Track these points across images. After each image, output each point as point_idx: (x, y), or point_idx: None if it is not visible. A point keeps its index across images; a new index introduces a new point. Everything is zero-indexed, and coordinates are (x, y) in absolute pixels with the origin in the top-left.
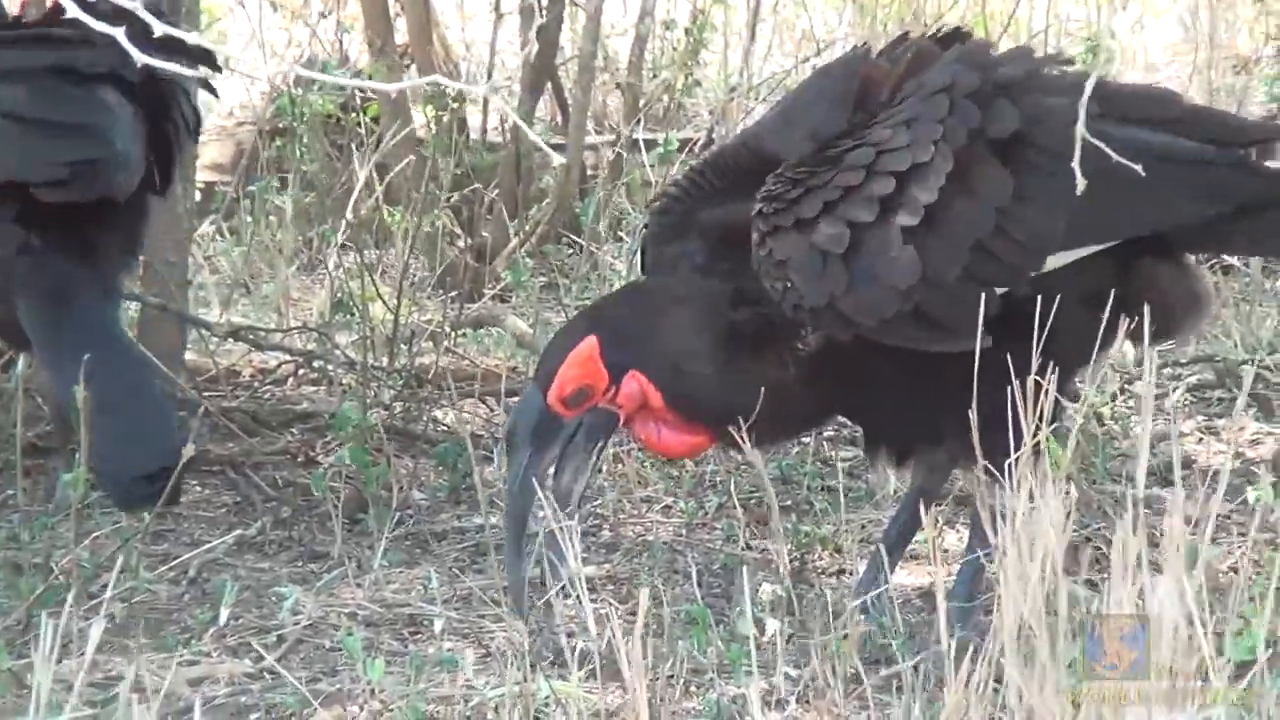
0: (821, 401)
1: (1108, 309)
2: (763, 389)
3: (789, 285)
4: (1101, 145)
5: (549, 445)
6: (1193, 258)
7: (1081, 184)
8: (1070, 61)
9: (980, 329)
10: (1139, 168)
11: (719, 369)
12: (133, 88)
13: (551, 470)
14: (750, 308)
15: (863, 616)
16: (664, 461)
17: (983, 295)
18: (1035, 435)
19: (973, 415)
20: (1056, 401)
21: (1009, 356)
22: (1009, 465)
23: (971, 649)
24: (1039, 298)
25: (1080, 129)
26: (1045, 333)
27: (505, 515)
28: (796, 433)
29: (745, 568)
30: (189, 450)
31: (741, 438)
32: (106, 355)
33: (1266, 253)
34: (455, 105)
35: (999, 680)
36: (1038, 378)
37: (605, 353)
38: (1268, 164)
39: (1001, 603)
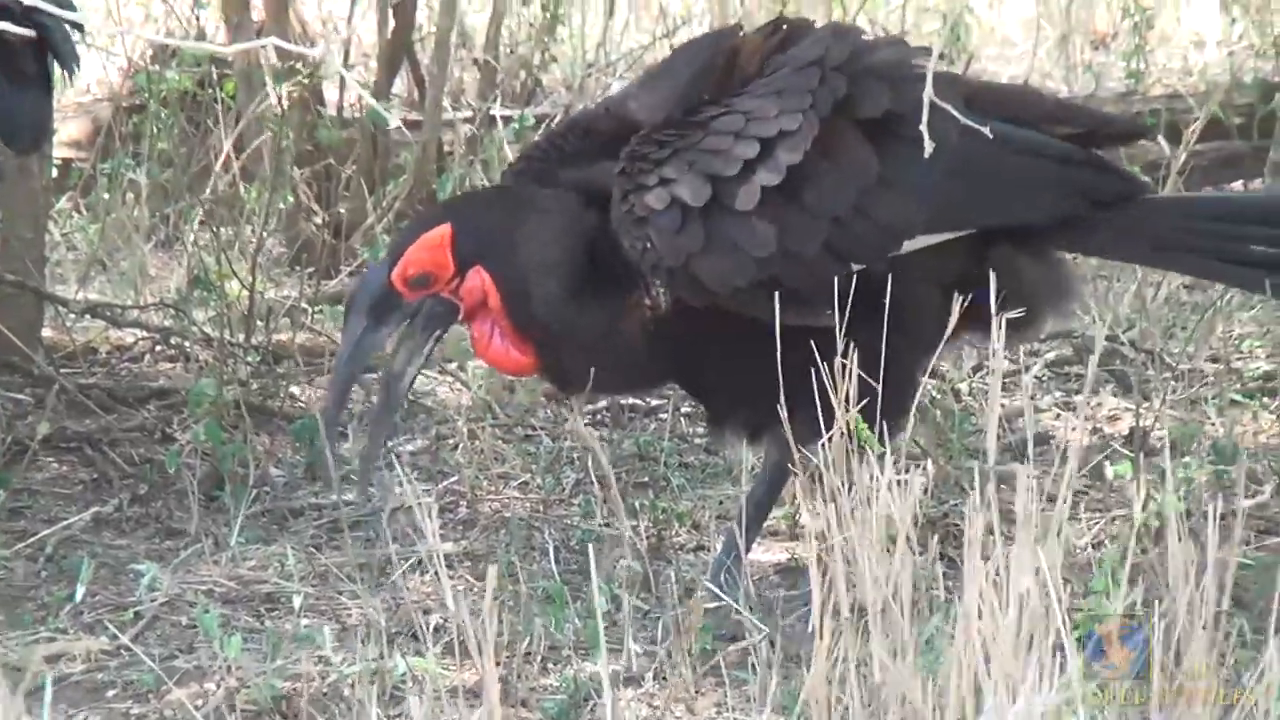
0: (661, 365)
1: (959, 294)
2: (604, 334)
3: (648, 244)
4: (957, 114)
5: (385, 321)
6: (1058, 252)
7: (930, 146)
8: (941, 56)
9: (836, 305)
10: (987, 130)
11: (564, 291)
12: None
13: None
14: (609, 254)
15: (717, 592)
16: (518, 437)
17: (839, 272)
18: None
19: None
20: (909, 380)
21: (861, 335)
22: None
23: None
24: (892, 277)
25: (929, 92)
26: (898, 313)
27: (330, 382)
28: (625, 390)
29: (600, 544)
30: (44, 428)
31: (566, 378)
32: None
33: (1124, 257)
34: (306, 80)
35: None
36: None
37: (456, 242)
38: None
39: (851, 582)
